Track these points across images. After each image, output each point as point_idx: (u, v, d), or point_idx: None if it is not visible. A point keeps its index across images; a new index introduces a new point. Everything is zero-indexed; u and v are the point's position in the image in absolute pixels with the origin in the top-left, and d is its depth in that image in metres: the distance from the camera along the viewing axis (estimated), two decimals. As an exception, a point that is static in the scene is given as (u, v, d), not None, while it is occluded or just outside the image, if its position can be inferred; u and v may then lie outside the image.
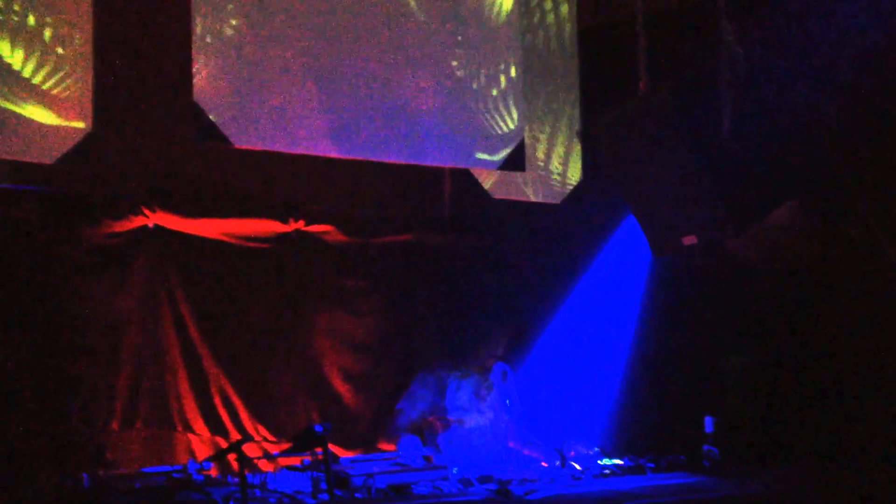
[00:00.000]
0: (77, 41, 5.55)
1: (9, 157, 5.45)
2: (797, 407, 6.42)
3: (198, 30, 5.73)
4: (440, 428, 6.10)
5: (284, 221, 6.34)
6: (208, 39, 5.77)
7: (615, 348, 6.85)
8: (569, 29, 7.06)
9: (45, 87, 5.46)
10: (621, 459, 6.09)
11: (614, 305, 6.91)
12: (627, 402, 6.72)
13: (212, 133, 5.74)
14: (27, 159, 5.48)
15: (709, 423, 6.22)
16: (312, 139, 6.08)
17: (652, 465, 6.06)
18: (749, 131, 6.20)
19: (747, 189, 6.24)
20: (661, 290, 6.80)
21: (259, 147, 5.94)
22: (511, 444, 6.08)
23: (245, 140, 5.86)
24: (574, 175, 7.05)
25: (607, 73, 6.84)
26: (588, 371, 6.83)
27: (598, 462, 6.01)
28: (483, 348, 6.36)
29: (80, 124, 5.55)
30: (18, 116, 5.39)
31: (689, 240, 6.32)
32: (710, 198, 6.23)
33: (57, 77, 5.50)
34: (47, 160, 5.49)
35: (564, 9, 7.08)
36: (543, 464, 5.93)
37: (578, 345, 6.87)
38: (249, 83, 5.90)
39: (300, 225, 6.37)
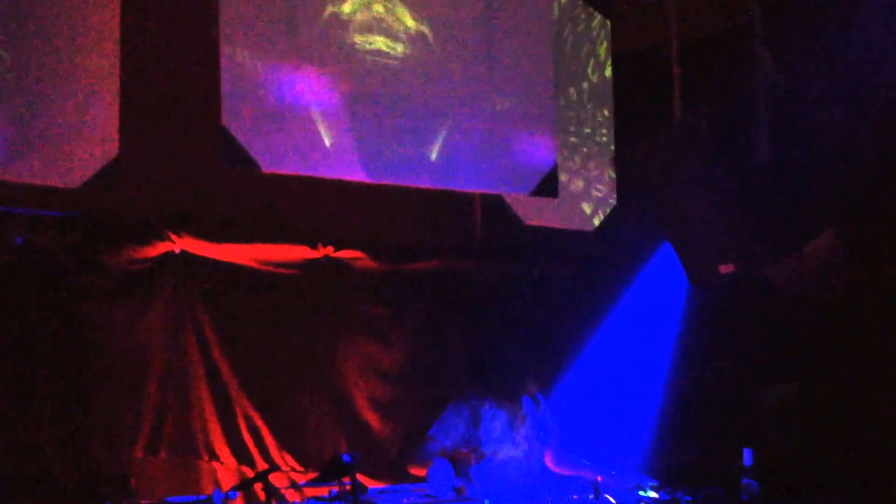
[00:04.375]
0: (103, 65, 5.52)
1: (34, 182, 5.40)
2: (840, 439, 6.23)
3: (226, 54, 5.70)
4: (474, 460, 5.93)
5: (313, 247, 6.25)
6: (237, 63, 5.74)
7: (651, 378, 6.70)
8: (603, 55, 7.01)
9: (70, 111, 5.43)
10: (657, 493, 5.89)
11: (650, 334, 6.77)
12: (663, 434, 6.56)
13: (240, 158, 5.70)
14: (52, 184, 5.43)
15: (748, 455, 6.03)
16: (342, 164, 6.02)
17: (689, 498, 5.85)
18: (787, 157, 6.11)
19: (786, 216, 6.14)
20: (697, 319, 6.65)
21: (287, 172, 5.89)
22: (550, 466, 5.91)
23: (273, 165, 5.81)
24: (607, 201, 6.95)
25: (642, 100, 6.77)
26: (623, 401, 6.68)
27: (638, 495, 5.81)
28: (515, 377, 6.20)
29: (107, 149, 5.51)
30: (44, 141, 5.36)
31: (727, 268, 6.21)
32: (747, 225, 6.13)
33: (83, 101, 5.47)
34: (73, 185, 5.44)
35: (598, 35, 7.03)
36: (574, 496, 5.75)
37: (613, 374, 6.73)
38: (278, 108, 5.86)
39: (329, 251, 6.27)
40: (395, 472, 6.14)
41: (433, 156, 6.23)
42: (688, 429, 6.49)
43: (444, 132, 6.26)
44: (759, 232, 6.29)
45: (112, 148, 5.55)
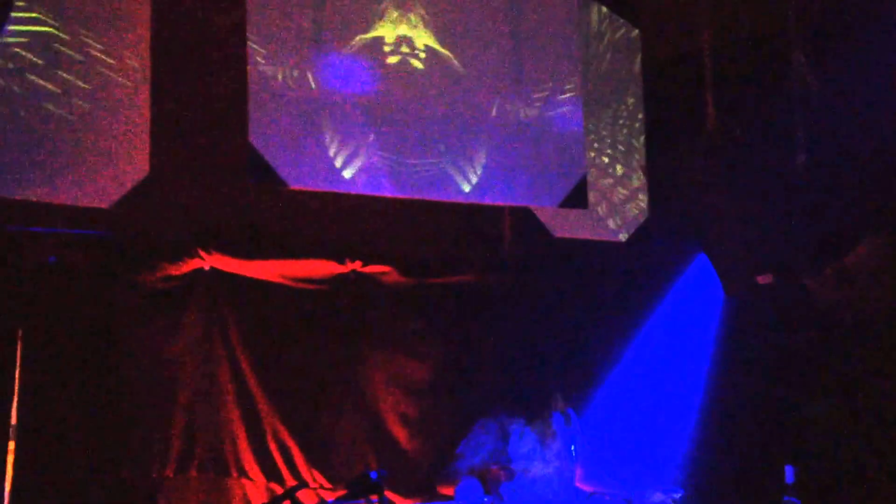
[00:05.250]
0: (133, 85, 5.57)
1: (66, 202, 5.47)
2: (884, 456, 6.03)
3: (254, 71, 5.72)
4: (504, 477, 5.87)
5: (341, 262, 6.23)
6: (264, 80, 5.76)
7: (687, 392, 6.55)
8: (633, 62, 6.90)
9: (101, 132, 5.49)
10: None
11: (685, 347, 6.62)
12: (700, 450, 6.40)
13: (267, 174, 5.70)
14: (84, 204, 5.49)
15: (789, 472, 5.87)
16: (369, 179, 6.00)
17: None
18: (825, 164, 5.97)
19: (825, 225, 6.00)
20: (734, 332, 6.49)
21: (315, 188, 5.88)
22: (581, 483, 5.82)
23: (301, 181, 5.81)
24: (639, 212, 6.82)
25: (674, 106, 6.65)
26: (658, 417, 6.53)
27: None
28: (546, 392, 6.12)
29: (137, 168, 5.56)
30: (75, 161, 5.42)
31: (764, 278, 6.09)
32: (785, 234, 6.00)
33: (113, 122, 5.52)
34: (103, 205, 5.50)
35: (628, 41, 6.92)
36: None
37: (647, 389, 6.59)
38: (305, 123, 5.86)
39: (357, 266, 6.25)
40: (424, 490, 6.09)
41: (460, 170, 6.17)
42: (726, 445, 6.33)
43: (471, 146, 6.21)
44: (798, 241, 6.16)
45: (143, 167, 5.61)
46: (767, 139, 6.31)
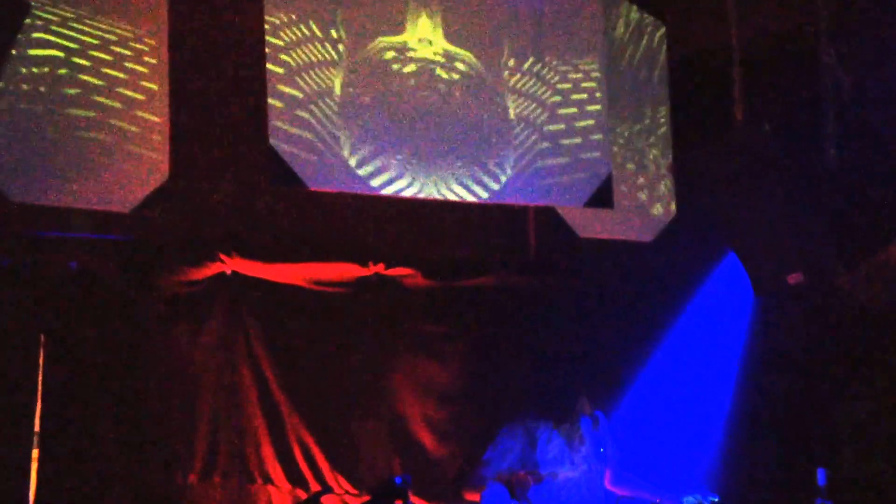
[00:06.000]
0: (153, 90, 5.56)
1: (87, 207, 5.46)
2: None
3: (273, 73, 5.70)
4: (531, 482, 5.77)
5: (364, 265, 6.16)
6: (283, 82, 5.74)
7: (716, 395, 6.44)
8: (659, 58, 6.80)
9: (121, 136, 5.48)
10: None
11: (714, 348, 6.52)
12: (730, 453, 6.30)
13: (288, 177, 5.68)
14: (105, 208, 5.48)
15: (821, 475, 5.76)
16: (390, 181, 5.96)
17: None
18: (856, 160, 5.85)
19: (857, 222, 5.88)
20: (764, 332, 6.38)
21: (336, 190, 5.84)
22: (609, 487, 5.73)
23: (321, 183, 5.78)
24: (666, 211, 6.74)
25: (700, 103, 6.54)
26: (688, 419, 6.43)
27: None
28: (573, 395, 6.03)
29: (158, 172, 5.55)
30: (96, 166, 5.41)
31: (795, 278, 5.98)
32: (815, 232, 5.89)
33: (134, 127, 5.51)
34: (124, 209, 5.48)
35: (654, 37, 6.83)
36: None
37: (677, 391, 6.49)
38: (325, 125, 5.83)
39: (380, 268, 6.18)
40: (449, 496, 6.02)
41: (483, 170, 6.12)
42: (757, 448, 6.22)
43: (494, 146, 6.15)
44: (828, 239, 6.05)
45: (163, 171, 5.59)
46: (797, 136, 6.20)
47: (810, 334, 6.27)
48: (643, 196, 6.69)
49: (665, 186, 6.72)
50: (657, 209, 6.70)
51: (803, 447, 6.10)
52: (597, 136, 6.43)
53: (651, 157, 6.73)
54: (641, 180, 6.70)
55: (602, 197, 6.37)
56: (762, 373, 6.37)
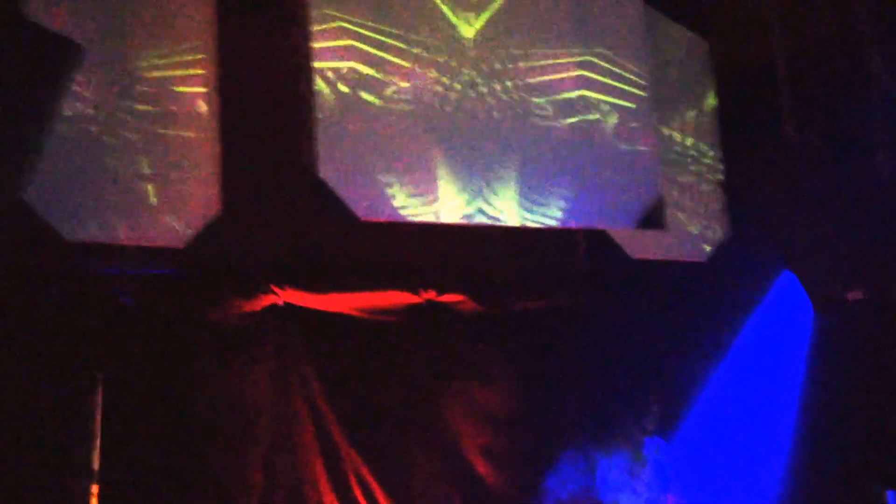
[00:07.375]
0: (202, 124, 5.60)
1: (140, 243, 5.48)
2: None
3: (321, 105, 5.71)
4: (594, 510, 5.67)
5: (415, 292, 6.13)
6: (332, 113, 5.74)
7: (778, 417, 6.28)
8: (705, 77, 6.74)
9: (172, 172, 5.51)
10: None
11: (775, 369, 6.37)
12: (796, 476, 6.13)
13: (338, 208, 5.67)
14: (158, 244, 5.50)
15: (891, 497, 5.61)
16: (441, 208, 5.92)
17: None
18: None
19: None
20: (826, 352, 6.22)
21: (385, 219, 5.82)
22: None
23: (371, 213, 5.76)
24: (718, 229, 6.64)
25: (748, 116, 6.45)
26: (750, 442, 6.28)
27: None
28: (632, 420, 5.92)
29: (209, 206, 5.57)
30: (148, 202, 5.44)
31: (855, 295, 5.86)
32: (874, 247, 5.76)
33: (184, 162, 5.55)
34: (178, 245, 5.50)
35: (699, 57, 6.77)
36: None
37: (737, 413, 6.34)
38: (375, 155, 5.82)
39: (431, 295, 6.14)
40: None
41: (533, 193, 6.07)
42: (824, 470, 6.05)
43: (543, 169, 6.10)
44: (888, 253, 5.91)
45: (215, 205, 5.61)
46: (848, 146, 6.09)
47: (874, 351, 6.10)
48: (695, 215, 6.60)
49: (717, 204, 6.62)
50: (710, 228, 6.61)
51: (871, 469, 5.92)
52: (646, 157, 6.36)
53: (702, 174, 6.65)
54: (693, 199, 6.62)
55: (653, 218, 6.29)
56: (825, 392, 6.21)
